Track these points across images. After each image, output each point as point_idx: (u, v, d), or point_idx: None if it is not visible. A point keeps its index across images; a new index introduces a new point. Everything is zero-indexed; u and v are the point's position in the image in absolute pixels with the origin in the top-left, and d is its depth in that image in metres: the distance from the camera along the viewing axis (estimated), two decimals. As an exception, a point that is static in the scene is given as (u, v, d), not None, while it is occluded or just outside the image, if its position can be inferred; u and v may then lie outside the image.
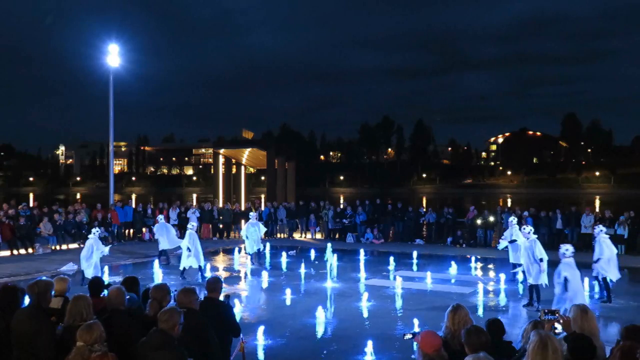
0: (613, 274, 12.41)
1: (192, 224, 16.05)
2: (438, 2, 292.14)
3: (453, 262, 16.51)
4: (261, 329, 9.27)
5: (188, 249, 14.94)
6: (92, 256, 13.80)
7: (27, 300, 5.43)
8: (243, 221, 25.64)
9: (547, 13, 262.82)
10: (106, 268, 15.55)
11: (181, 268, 15.11)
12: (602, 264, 12.29)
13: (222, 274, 15.76)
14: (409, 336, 4.46)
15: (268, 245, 19.86)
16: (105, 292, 5.89)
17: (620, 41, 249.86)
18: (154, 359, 4.38)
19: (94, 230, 14.60)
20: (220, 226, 24.60)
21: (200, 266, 15.02)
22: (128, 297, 5.65)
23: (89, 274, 13.29)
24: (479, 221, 22.23)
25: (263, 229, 18.22)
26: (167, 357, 4.39)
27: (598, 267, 12.35)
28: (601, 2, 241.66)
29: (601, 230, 12.64)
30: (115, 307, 5.29)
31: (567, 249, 10.20)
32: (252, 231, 17.39)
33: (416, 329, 9.35)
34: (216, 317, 5.80)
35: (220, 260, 18.88)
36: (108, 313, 5.25)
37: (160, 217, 18.04)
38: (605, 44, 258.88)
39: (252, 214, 18.42)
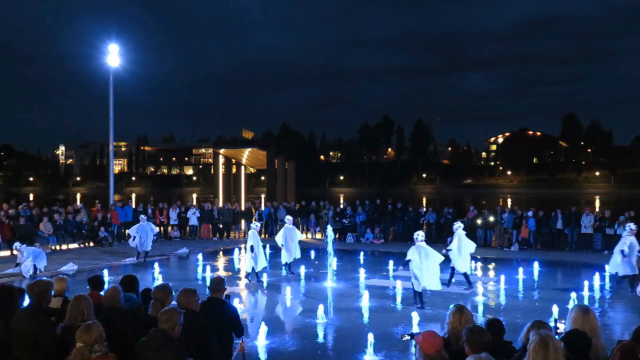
0: (460, 266, 13.48)
1: (257, 224, 15.44)
2: (438, 2, 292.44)
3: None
4: (261, 329, 9.28)
5: (251, 249, 14.52)
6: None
7: (26, 300, 5.43)
8: (243, 221, 25.70)
9: (547, 13, 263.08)
10: (106, 271, 15.52)
11: (249, 270, 14.83)
12: (452, 254, 13.43)
13: (222, 274, 15.75)
14: (407, 337, 4.43)
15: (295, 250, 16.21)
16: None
17: (620, 41, 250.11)
18: (154, 359, 4.38)
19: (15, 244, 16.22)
20: (220, 226, 24.59)
21: (253, 268, 14.61)
22: (123, 295, 5.64)
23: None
24: (479, 221, 22.21)
25: (299, 235, 16.36)
26: (167, 357, 4.38)
27: (450, 255, 13.51)
28: (601, 2, 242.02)
29: (460, 226, 13.76)
30: (112, 305, 5.28)
31: (418, 234, 12.03)
32: (290, 237, 15.80)
33: (414, 330, 9.35)
34: (220, 317, 5.80)
35: (221, 260, 18.86)
36: (106, 312, 5.25)
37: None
38: (606, 44, 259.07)
39: (289, 218, 16.50)
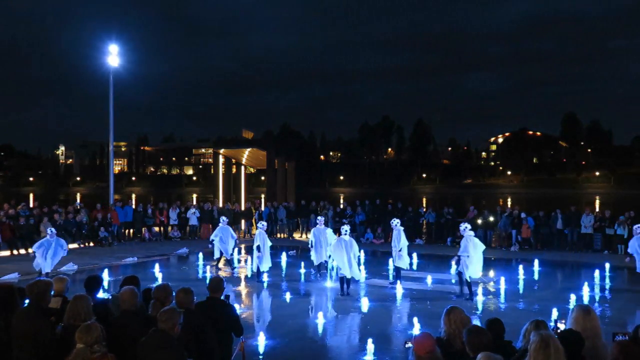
0: (402, 263, 14.06)
1: (263, 223, 15.28)
2: (438, 2, 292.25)
3: (453, 262, 16.48)
4: (261, 329, 9.27)
5: (258, 248, 14.48)
6: (57, 254, 14.43)
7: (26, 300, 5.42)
8: (243, 221, 25.68)
9: (547, 13, 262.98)
10: (106, 271, 15.51)
11: (254, 269, 14.82)
12: (402, 253, 13.97)
13: (222, 274, 15.74)
14: (409, 344, 4.40)
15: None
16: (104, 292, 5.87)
17: (620, 41, 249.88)
18: (153, 358, 4.39)
19: (49, 230, 15.07)
20: (220, 226, 24.54)
21: (259, 267, 14.55)
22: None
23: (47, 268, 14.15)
24: (479, 221, 22.20)
25: (332, 236, 14.95)
26: (167, 357, 4.39)
27: (395, 254, 14.12)
28: (602, 2, 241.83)
29: (398, 222, 14.23)
30: (128, 308, 5.28)
31: (343, 228, 13.45)
32: (319, 239, 15.08)
33: (415, 332, 9.34)
34: (219, 316, 5.80)
35: (221, 261, 18.82)
36: (119, 314, 5.27)
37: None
38: (606, 44, 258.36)
39: (320, 218, 15.72)
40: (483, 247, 12.81)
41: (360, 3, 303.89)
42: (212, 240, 16.70)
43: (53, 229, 15.30)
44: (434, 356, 4.03)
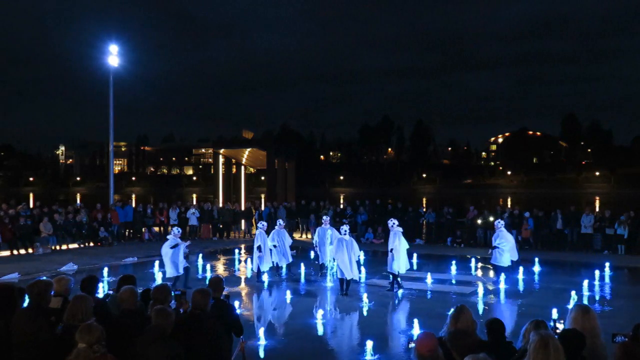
0: (400, 266, 13.50)
1: (263, 223, 15.14)
2: (439, 2, 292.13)
3: (453, 262, 16.49)
4: (261, 329, 9.28)
5: (259, 248, 14.47)
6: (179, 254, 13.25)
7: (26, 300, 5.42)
8: (243, 221, 25.69)
9: (547, 13, 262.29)
10: (105, 269, 15.51)
11: (254, 270, 14.82)
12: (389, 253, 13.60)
13: (222, 274, 15.75)
14: (412, 345, 4.40)
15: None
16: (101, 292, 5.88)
17: (620, 41, 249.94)
18: (149, 353, 4.47)
19: (175, 230, 13.72)
20: (220, 226, 24.59)
21: (259, 267, 14.54)
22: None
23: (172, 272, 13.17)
24: (479, 221, 22.20)
25: (336, 235, 14.21)
26: (162, 349, 4.48)
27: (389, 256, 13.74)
28: (602, 2, 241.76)
29: (394, 225, 13.74)
30: (127, 307, 5.29)
31: (342, 228, 13.46)
32: (322, 239, 15.04)
33: (416, 332, 9.34)
34: (219, 316, 5.81)
35: (221, 260, 18.86)
36: (119, 314, 5.30)
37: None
38: (606, 44, 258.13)
39: (325, 218, 15.62)
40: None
41: (361, 3, 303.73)
42: (274, 246, 15.16)
43: (179, 229, 14.05)
44: (436, 355, 4.04)
